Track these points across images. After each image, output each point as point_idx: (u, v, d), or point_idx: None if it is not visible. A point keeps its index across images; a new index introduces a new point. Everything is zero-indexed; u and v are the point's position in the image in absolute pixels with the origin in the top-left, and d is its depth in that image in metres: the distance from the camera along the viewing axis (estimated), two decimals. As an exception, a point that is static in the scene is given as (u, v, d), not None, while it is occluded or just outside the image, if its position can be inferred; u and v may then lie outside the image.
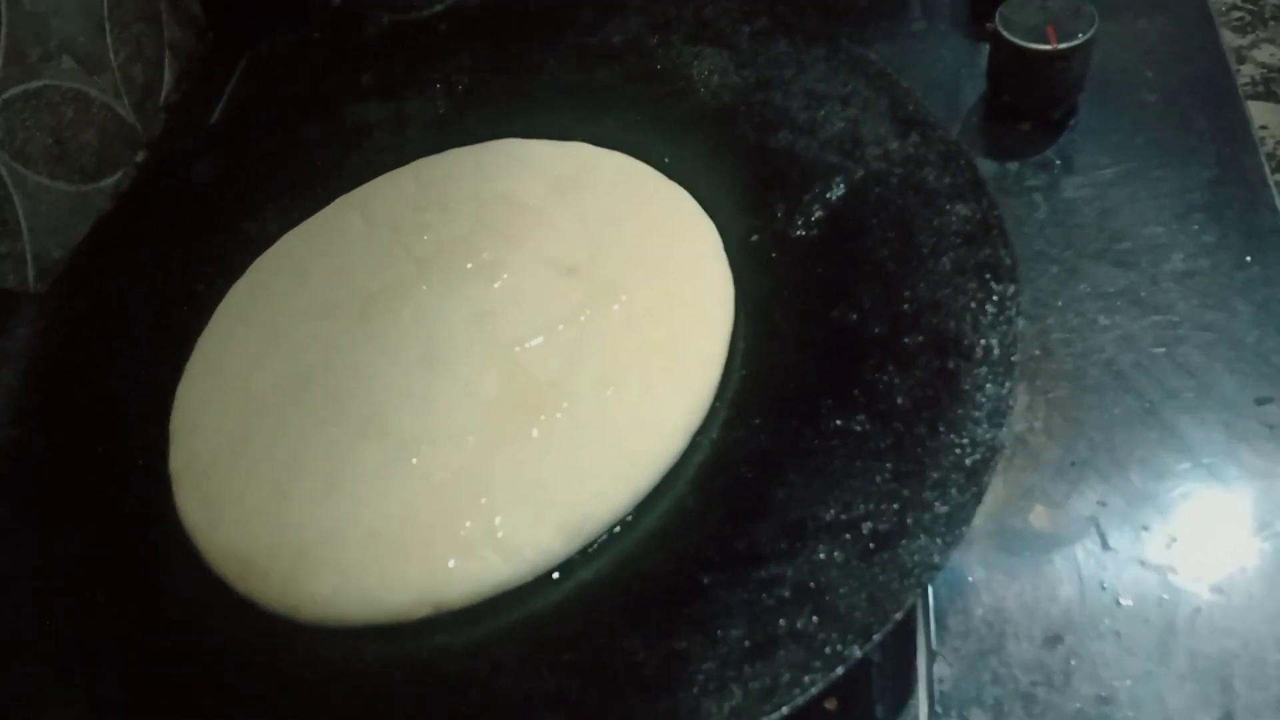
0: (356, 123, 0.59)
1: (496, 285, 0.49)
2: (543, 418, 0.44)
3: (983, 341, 0.41)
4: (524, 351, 0.46)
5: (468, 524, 0.41)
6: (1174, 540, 0.47)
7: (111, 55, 0.70)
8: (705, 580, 0.39)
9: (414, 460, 0.44)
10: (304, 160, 0.58)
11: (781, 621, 0.36)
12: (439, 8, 0.71)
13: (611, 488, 0.42)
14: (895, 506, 0.38)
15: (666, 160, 0.53)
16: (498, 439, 0.44)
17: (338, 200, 0.55)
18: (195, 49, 0.79)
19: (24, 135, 0.63)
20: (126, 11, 0.72)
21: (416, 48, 0.61)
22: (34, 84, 0.64)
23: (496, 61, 0.59)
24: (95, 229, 0.59)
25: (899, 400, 0.41)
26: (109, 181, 0.69)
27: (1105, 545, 0.48)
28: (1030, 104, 0.63)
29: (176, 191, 0.58)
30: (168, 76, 0.76)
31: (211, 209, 0.57)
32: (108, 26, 0.70)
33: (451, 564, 0.41)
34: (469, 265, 0.50)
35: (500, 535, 0.41)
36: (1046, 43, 0.59)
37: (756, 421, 0.44)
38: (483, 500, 0.42)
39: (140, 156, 0.72)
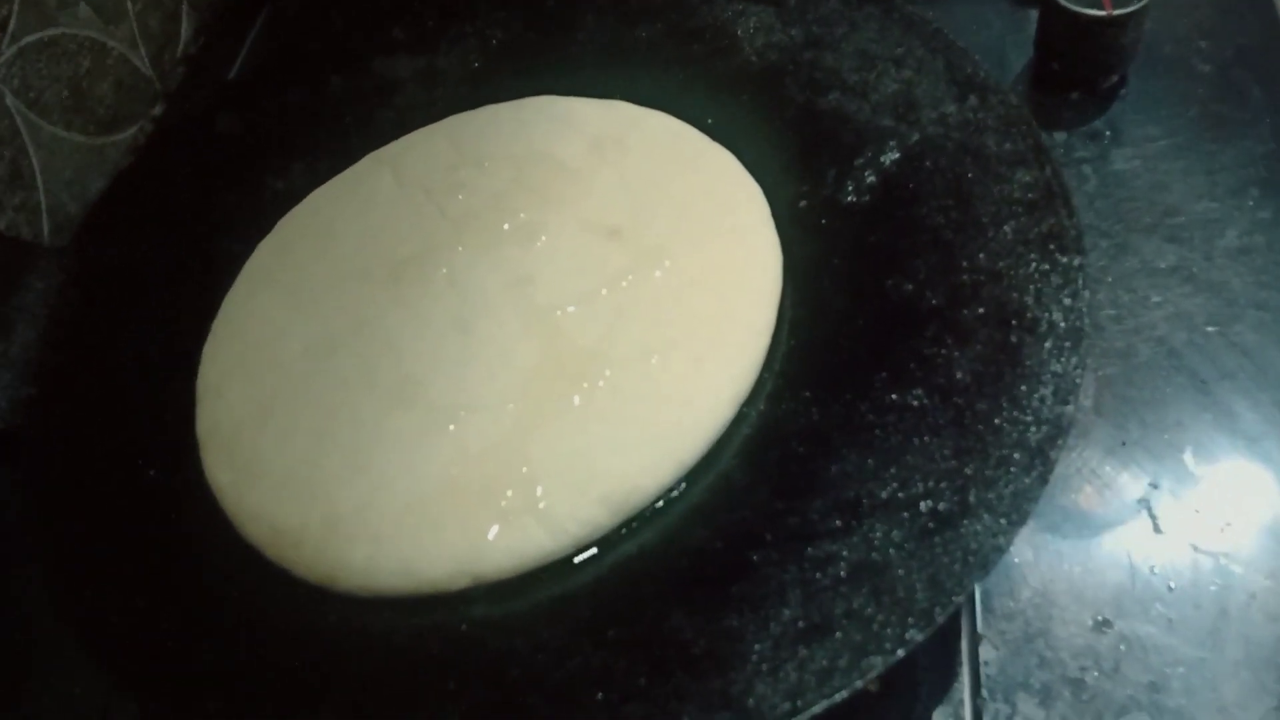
0: (386, 77, 0.57)
1: (535, 247, 0.47)
2: (584, 386, 0.43)
3: (1047, 314, 0.40)
4: (564, 317, 0.45)
5: (509, 493, 0.40)
6: (1228, 524, 0.46)
7: (129, 4, 0.68)
8: (755, 557, 0.37)
9: (451, 428, 0.42)
10: (332, 115, 0.56)
11: (837, 602, 0.35)
12: (467, -39, 0.69)
13: (656, 459, 0.41)
14: (956, 484, 0.37)
15: (710, 122, 0.51)
16: (538, 407, 0.42)
17: (368, 157, 0.53)
18: (214, 0, 0.77)
19: (39, 85, 0.60)
20: (144, -41, 0.69)
21: (448, 0, 0.59)
22: (50, 32, 0.61)
23: (532, 15, 0.57)
24: (115, 182, 0.57)
25: (958, 374, 0.40)
26: (125, 135, 0.67)
27: (1156, 528, 0.46)
28: (1080, 72, 0.61)
29: (199, 145, 0.56)
30: (186, 28, 0.74)
31: (236, 164, 0.55)
32: (125, -26, 0.68)
33: (491, 534, 0.39)
34: (505, 226, 0.48)
35: (542, 506, 0.40)
36: (1100, 8, 0.57)
37: (807, 394, 0.42)
38: (523, 470, 0.41)
39: (157, 110, 0.70)
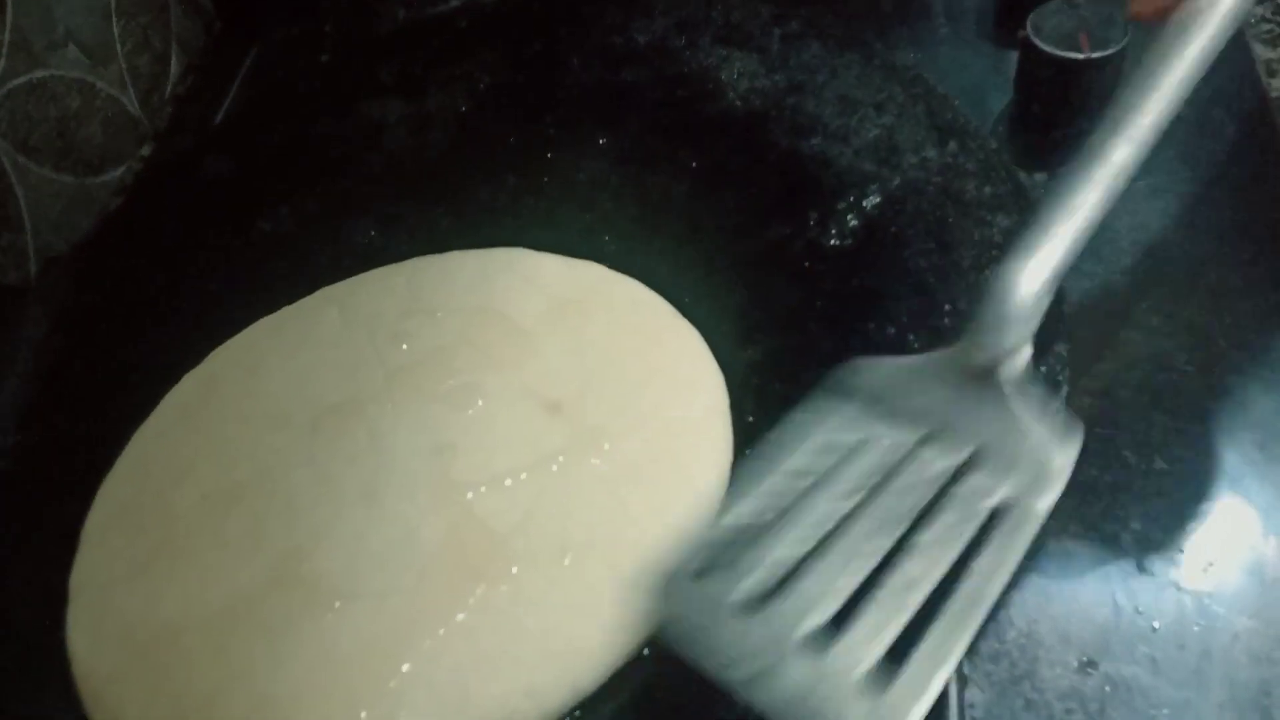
0: (374, 120, 0.57)
1: (467, 413, 0.44)
2: (482, 586, 0.39)
3: (1028, 360, 0.40)
4: (477, 498, 0.41)
5: (368, 709, 0.37)
6: (1210, 565, 0.46)
7: (118, 46, 0.69)
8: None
9: (325, 617, 0.39)
10: (320, 158, 0.56)
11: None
12: (456, 3, 0.69)
13: (549, 683, 0.37)
14: (940, 531, 0.37)
15: (694, 165, 0.52)
16: (425, 605, 0.38)
17: (319, 292, 0.51)
18: (203, 40, 0.77)
19: (28, 126, 0.61)
20: (133, 0, 0.70)
21: (435, 44, 0.59)
22: (39, 74, 0.62)
23: (518, 59, 0.58)
24: (102, 226, 0.57)
25: (941, 419, 0.40)
26: (113, 175, 0.68)
27: (1140, 568, 0.47)
28: (1060, 113, 0.62)
29: (186, 188, 0.57)
30: (174, 68, 0.74)
31: (225, 207, 0.55)
32: (114, 16, 0.68)
33: None
34: (441, 386, 0.45)
35: None
36: (1079, 51, 0.57)
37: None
38: (391, 683, 0.37)
39: (146, 150, 0.70)
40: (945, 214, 0.46)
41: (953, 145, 0.47)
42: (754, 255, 0.49)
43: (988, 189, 0.45)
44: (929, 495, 0.34)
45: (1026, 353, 0.36)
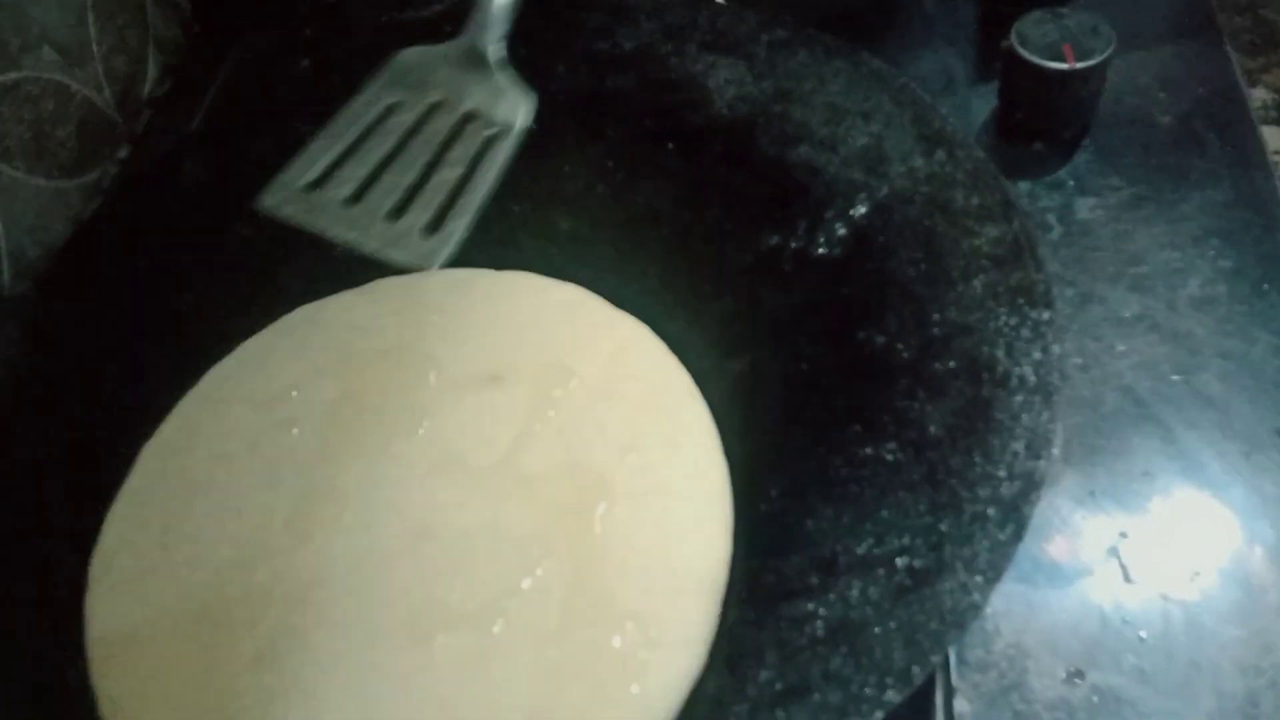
0: (356, 125, 0.56)
1: (421, 431, 0.44)
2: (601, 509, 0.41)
3: (1018, 368, 0.40)
4: (515, 456, 0.42)
5: None
6: (1197, 574, 0.46)
7: (94, 47, 0.67)
8: (731, 617, 0.37)
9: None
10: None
11: (814, 663, 0.35)
12: (439, 7, 0.68)
13: None
14: (931, 541, 0.37)
15: (680, 174, 0.51)
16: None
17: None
18: (181, 42, 0.76)
19: (1, 129, 0.60)
20: (110, 1, 0.69)
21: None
22: (12, 75, 0.61)
23: (503, 66, 0.57)
24: (78, 231, 0.56)
25: (931, 428, 0.40)
26: (89, 177, 0.67)
27: (1127, 578, 0.47)
28: (1044, 123, 0.62)
29: (165, 192, 0.56)
30: (152, 70, 0.73)
31: (203, 212, 0.54)
32: (90, 17, 0.67)
33: None
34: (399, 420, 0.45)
35: None
36: (1064, 61, 0.58)
37: (781, 447, 0.42)
38: None
39: (123, 152, 0.69)
40: (933, 223, 0.45)
41: (940, 154, 0.47)
42: (741, 265, 0.48)
43: (975, 199, 0.45)
44: (445, 133, 0.54)
45: (503, 43, 0.56)
